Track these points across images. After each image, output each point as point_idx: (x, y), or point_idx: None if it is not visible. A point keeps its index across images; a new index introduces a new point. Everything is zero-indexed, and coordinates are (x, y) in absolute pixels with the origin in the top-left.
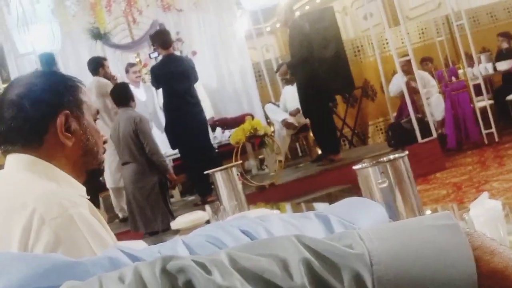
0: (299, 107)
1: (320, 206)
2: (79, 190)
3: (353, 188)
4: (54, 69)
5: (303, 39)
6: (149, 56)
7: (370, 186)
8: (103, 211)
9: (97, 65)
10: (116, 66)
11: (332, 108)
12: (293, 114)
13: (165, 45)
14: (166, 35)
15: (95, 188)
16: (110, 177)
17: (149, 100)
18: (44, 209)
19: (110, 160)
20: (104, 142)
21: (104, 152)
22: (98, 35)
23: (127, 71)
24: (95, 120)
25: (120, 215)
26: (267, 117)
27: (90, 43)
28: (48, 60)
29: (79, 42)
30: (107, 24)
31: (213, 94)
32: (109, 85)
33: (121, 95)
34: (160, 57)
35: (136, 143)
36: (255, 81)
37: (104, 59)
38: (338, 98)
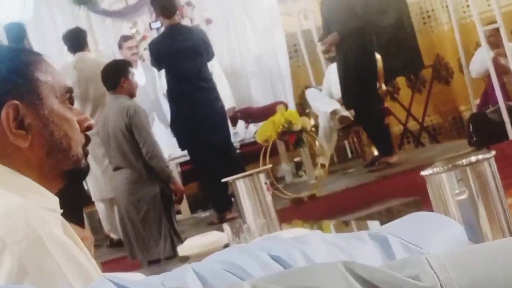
0: None
1: (376, 225)
2: (49, 202)
3: (420, 201)
4: (25, 43)
5: (349, 1)
6: (150, 26)
7: (444, 197)
8: (88, 231)
9: (78, 39)
10: (106, 39)
11: (391, 93)
12: (342, 102)
13: (168, 12)
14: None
15: (76, 200)
16: (96, 186)
17: (149, 84)
18: (4, 230)
19: (95, 165)
20: (87, 129)
21: (86, 143)
22: None
23: (120, 46)
24: (71, 102)
25: (113, 237)
26: (303, 106)
27: (71, 10)
28: (17, 33)
29: (56, 8)
30: None
31: (233, 76)
32: (99, 63)
33: (112, 76)
34: (162, 28)
35: (130, 142)
36: (287, 59)
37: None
38: (401, 80)
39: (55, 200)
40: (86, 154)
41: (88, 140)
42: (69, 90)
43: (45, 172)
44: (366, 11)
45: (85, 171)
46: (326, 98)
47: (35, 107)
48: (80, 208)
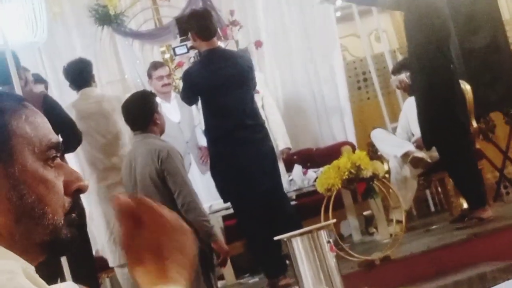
0: None
1: None
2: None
3: None
4: (20, 73)
5: (433, 19)
6: (174, 52)
7: None
8: None
9: (82, 74)
10: (133, 66)
11: (485, 131)
12: (421, 143)
13: (206, 33)
14: (207, 18)
15: (88, 268)
16: (113, 248)
17: (185, 121)
18: None
19: (114, 221)
20: (77, 192)
21: (70, 211)
22: (106, 18)
23: (149, 76)
24: (47, 161)
25: None
26: (374, 148)
27: (93, 30)
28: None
29: (75, 29)
30: (120, 0)
31: (289, 111)
32: (113, 99)
33: (142, 112)
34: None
35: (162, 191)
36: (346, 89)
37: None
38: (496, 116)
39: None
40: (71, 222)
41: (77, 206)
42: (54, 146)
43: (16, 243)
44: (455, 31)
45: (67, 243)
46: (397, 140)
47: (3, 164)
48: (93, 277)
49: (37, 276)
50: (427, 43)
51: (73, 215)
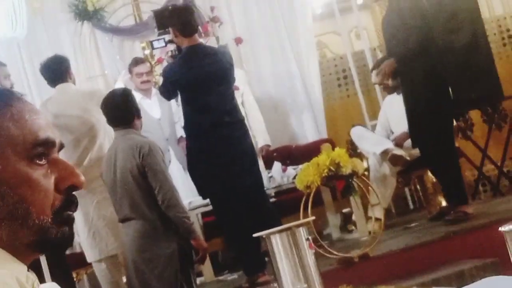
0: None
1: None
2: (15, 270)
3: (498, 263)
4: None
5: (414, 18)
6: (151, 45)
7: None
8: None
9: (58, 70)
10: (113, 62)
11: (464, 130)
12: (400, 141)
13: (187, 30)
14: (189, 14)
15: (61, 264)
16: (92, 243)
17: (165, 118)
18: None
19: (93, 215)
20: (73, 188)
21: (64, 207)
22: (86, 13)
23: (130, 72)
24: (34, 159)
25: None
26: (354, 146)
27: (72, 26)
28: None
29: (56, 23)
30: None
31: (269, 108)
32: (87, 94)
33: (122, 110)
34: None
35: (143, 187)
36: (320, 86)
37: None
38: (475, 114)
39: (21, 268)
40: (63, 220)
41: (69, 202)
42: (42, 143)
43: (5, 243)
44: (435, 29)
45: (56, 241)
46: (376, 137)
47: None
48: (67, 273)
49: (27, 282)
50: (413, 42)
51: (69, 212)
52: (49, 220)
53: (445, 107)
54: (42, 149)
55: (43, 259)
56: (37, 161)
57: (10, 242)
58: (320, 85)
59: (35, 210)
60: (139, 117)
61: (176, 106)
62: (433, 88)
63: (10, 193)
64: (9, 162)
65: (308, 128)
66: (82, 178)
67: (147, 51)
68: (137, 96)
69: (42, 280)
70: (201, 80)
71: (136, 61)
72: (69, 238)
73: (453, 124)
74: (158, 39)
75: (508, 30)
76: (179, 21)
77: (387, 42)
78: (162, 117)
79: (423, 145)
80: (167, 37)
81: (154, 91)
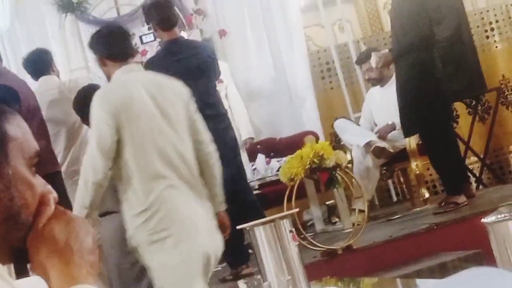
0: (394, 121)
1: (428, 284)
2: None
3: (481, 254)
4: None
5: (420, 7)
6: (140, 40)
7: (511, 250)
8: None
9: (40, 62)
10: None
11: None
12: (383, 133)
13: (166, 23)
14: (167, 7)
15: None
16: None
17: None
18: None
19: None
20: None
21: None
22: (69, 5)
23: None
24: (32, 168)
25: None
26: (337, 138)
27: (56, 18)
28: None
29: (39, 16)
30: None
31: (252, 100)
32: (73, 87)
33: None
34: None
35: None
36: (310, 79)
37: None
38: (459, 106)
39: None
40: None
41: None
42: (38, 154)
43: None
44: (427, 20)
45: None
46: (359, 129)
47: None
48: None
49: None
50: (419, 34)
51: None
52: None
53: (439, 97)
54: (37, 159)
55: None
56: (34, 170)
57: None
58: (311, 77)
59: (27, 213)
60: None
61: None
62: (430, 76)
63: (19, 196)
64: (18, 166)
65: (298, 121)
66: (53, 207)
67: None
68: None
69: (26, 274)
70: (181, 74)
71: None
72: None
73: (448, 113)
74: (147, 34)
75: (490, 23)
76: (157, 15)
77: (395, 31)
78: None
79: (422, 134)
80: None
81: None
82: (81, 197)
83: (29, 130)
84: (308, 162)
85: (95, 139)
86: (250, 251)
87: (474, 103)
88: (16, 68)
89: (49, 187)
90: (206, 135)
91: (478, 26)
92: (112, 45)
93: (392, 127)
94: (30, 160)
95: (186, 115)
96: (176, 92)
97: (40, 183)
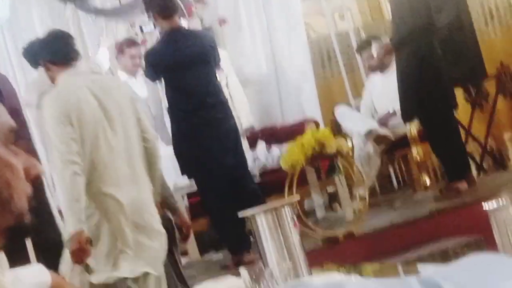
0: (394, 109)
1: (429, 269)
2: None
3: (482, 241)
4: None
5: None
6: (141, 29)
7: None
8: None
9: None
10: (96, 44)
11: None
12: (384, 120)
13: (166, 12)
14: None
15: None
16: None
17: (151, 97)
18: None
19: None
20: (36, 178)
21: (33, 194)
22: None
23: (121, 51)
24: (9, 145)
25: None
26: (338, 125)
27: (55, 8)
28: None
29: (38, 5)
30: None
31: (253, 88)
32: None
33: None
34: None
35: None
36: (311, 67)
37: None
38: (458, 93)
39: None
40: (32, 207)
41: (37, 190)
42: (14, 130)
43: None
44: (427, 8)
45: (29, 228)
46: (360, 116)
47: None
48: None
49: None
50: (420, 22)
51: (25, 206)
52: (26, 205)
53: (439, 84)
54: (14, 136)
55: (28, 241)
56: (11, 148)
57: None
58: (311, 65)
59: (16, 196)
60: None
61: (161, 86)
62: (433, 62)
63: None
64: None
65: (299, 109)
66: (42, 168)
67: (131, 33)
68: (123, 76)
69: (27, 261)
70: (182, 62)
71: (132, 42)
72: (34, 225)
73: (449, 100)
74: (146, 24)
75: (490, 10)
76: (157, 4)
77: (395, 19)
78: (148, 96)
79: (423, 119)
80: None
81: (140, 71)
82: (72, 214)
83: (3, 108)
84: (309, 150)
85: (57, 149)
86: (251, 238)
87: (474, 90)
88: (16, 57)
89: (34, 162)
90: (151, 133)
91: (478, 13)
92: (54, 50)
93: (391, 115)
94: (6, 137)
95: (133, 114)
96: (122, 92)
97: (23, 159)
